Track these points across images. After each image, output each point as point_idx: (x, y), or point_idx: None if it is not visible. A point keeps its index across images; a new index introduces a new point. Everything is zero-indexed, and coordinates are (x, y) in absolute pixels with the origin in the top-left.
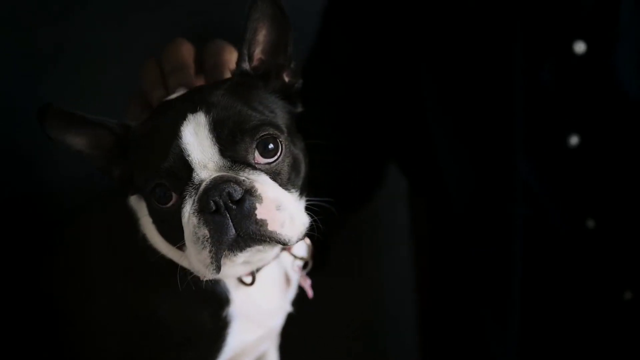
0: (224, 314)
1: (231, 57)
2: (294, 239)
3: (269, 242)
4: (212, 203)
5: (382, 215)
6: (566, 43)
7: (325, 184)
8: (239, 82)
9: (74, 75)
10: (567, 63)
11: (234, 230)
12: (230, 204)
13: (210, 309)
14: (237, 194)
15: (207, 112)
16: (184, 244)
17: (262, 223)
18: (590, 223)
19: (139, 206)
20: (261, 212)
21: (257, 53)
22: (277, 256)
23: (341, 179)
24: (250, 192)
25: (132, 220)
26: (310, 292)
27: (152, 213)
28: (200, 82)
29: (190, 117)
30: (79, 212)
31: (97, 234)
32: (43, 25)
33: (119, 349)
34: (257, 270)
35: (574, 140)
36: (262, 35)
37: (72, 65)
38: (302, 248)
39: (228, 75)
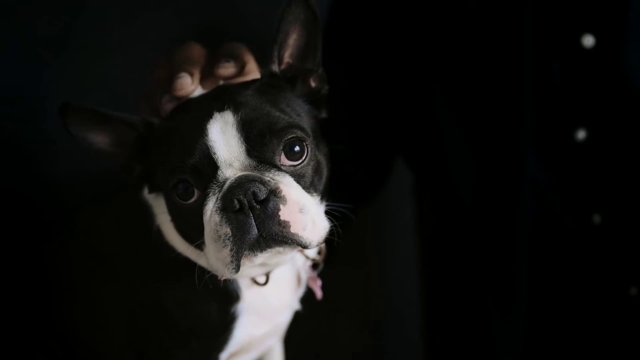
0: (232, 309)
1: (247, 57)
2: (315, 242)
3: (289, 243)
4: (236, 202)
5: (387, 210)
6: (575, 37)
7: (332, 179)
8: (267, 83)
9: (76, 70)
10: (575, 57)
11: (256, 230)
12: (255, 204)
13: (218, 304)
14: (262, 193)
15: (235, 111)
16: (202, 242)
17: (285, 224)
18: (597, 218)
19: (157, 203)
20: (285, 214)
21: (286, 57)
22: (291, 257)
23: (348, 174)
24: (274, 193)
25: (143, 213)
26: (319, 294)
27: (172, 210)
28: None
29: (217, 115)
30: (82, 206)
31: (104, 225)
32: (46, 20)
33: (125, 337)
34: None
35: (581, 134)
36: (292, 39)
37: (74, 60)
38: (314, 249)
39: (244, 71)
